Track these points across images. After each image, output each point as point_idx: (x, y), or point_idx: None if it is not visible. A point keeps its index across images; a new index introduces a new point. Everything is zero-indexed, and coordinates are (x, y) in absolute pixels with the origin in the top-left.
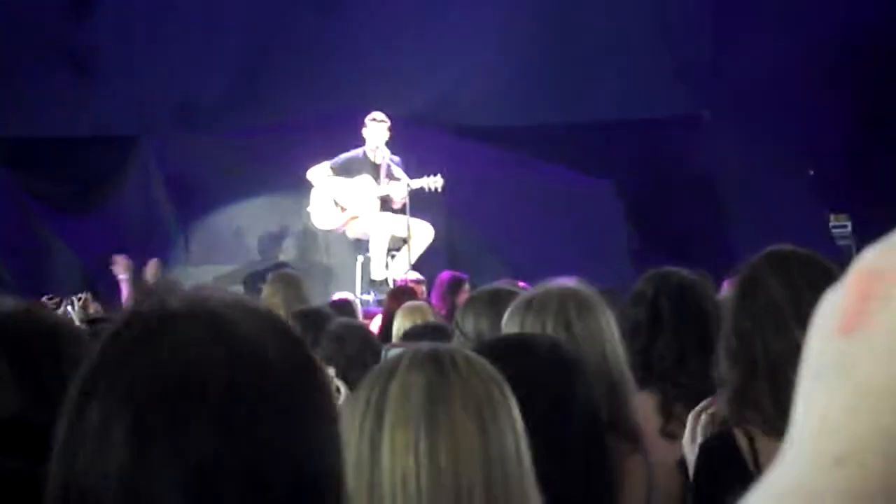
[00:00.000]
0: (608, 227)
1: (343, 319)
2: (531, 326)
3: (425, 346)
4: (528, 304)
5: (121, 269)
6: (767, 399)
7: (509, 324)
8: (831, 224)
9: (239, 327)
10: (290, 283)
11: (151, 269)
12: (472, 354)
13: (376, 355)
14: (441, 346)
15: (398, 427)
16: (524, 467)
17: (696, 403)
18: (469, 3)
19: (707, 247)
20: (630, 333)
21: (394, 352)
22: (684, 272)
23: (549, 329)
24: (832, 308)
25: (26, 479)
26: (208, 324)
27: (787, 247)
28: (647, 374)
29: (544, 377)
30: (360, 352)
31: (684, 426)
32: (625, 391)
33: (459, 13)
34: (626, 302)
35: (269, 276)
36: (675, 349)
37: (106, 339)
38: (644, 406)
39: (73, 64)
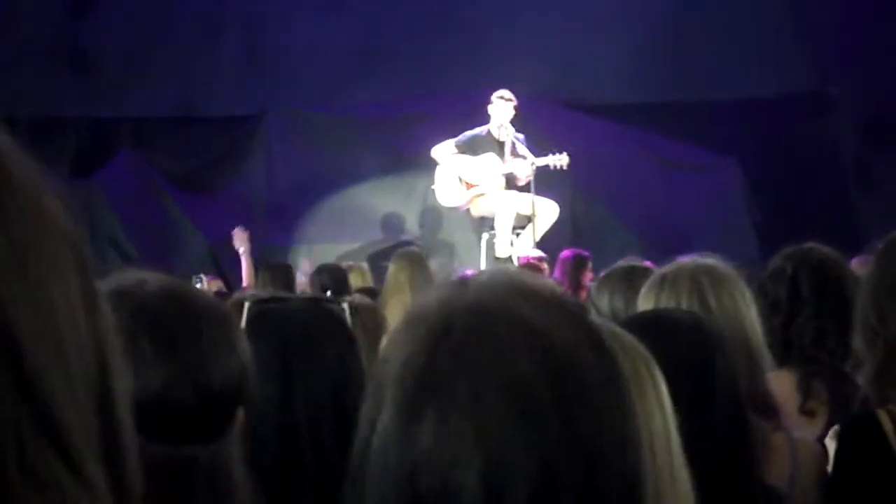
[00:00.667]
0: (733, 204)
1: None
2: (665, 302)
3: None
4: (662, 281)
5: (239, 242)
6: None
7: (644, 301)
8: None
9: (552, 330)
10: (416, 260)
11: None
12: (619, 329)
13: None
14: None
15: None
16: (673, 447)
17: (836, 381)
18: None
19: (832, 225)
20: (769, 310)
21: None
22: (825, 249)
23: (684, 304)
24: None
25: (177, 467)
26: (527, 333)
27: None
28: (786, 351)
29: (686, 354)
30: None
31: (823, 404)
32: (762, 368)
33: None
34: (764, 278)
35: (395, 253)
36: (815, 327)
37: (426, 339)
38: (783, 384)
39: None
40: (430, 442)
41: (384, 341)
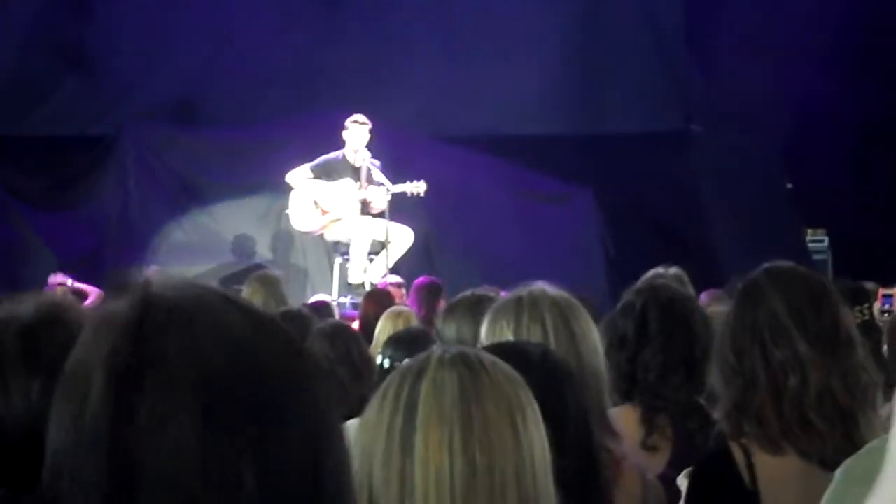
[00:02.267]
0: (586, 236)
1: (332, 320)
2: (527, 326)
3: (453, 347)
4: (519, 304)
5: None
6: (770, 411)
7: (498, 323)
8: (808, 238)
9: (234, 328)
10: (270, 283)
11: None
12: (496, 358)
13: (363, 354)
14: (468, 348)
15: (431, 423)
16: (548, 469)
17: (681, 417)
18: (460, 10)
19: (685, 259)
20: (617, 344)
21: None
22: (674, 286)
23: (549, 326)
24: None
25: None
26: (217, 328)
27: (786, 263)
28: (631, 385)
29: (539, 382)
30: (348, 351)
31: (666, 439)
32: (605, 394)
33: (448, 20)
34: (614, 313)
35: (249, 276)
36: (660, 362)
37: (125, 330)
38: (627, 418)
39: (61, 61)
40: (147, 435)
41: None
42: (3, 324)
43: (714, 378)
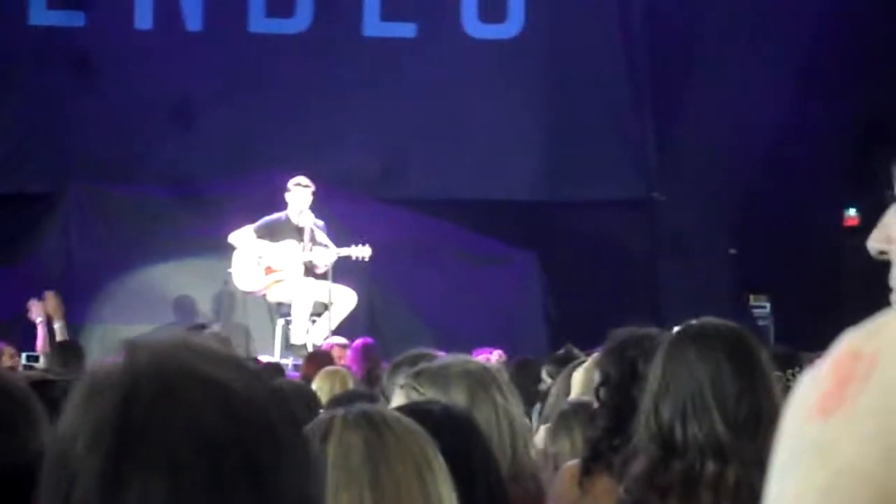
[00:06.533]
0: (529, 299)
1: (285, 380)
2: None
3: (356, 407)
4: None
5: (36, 313)
6: (677, 483)
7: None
8: (751, 304)
9: (238, 391)
10: (223, 343)
11: (52, 304)
12: (400, 414)
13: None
14: (370, 406)
15: (341, 488)
16: None
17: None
18: (409, 73)
19: (633, 322)
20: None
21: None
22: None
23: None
24: (810, 390)
25: None
26: (210, 388)
27: (707, 320)
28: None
29: (445, 440)
30: (303, 412)
31: None
32: (524, 447)
33: (390, 82)
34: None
35: (201, 335)
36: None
37: (118, 406)
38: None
39: None
40: None
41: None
42: None
43: (639, 438)
